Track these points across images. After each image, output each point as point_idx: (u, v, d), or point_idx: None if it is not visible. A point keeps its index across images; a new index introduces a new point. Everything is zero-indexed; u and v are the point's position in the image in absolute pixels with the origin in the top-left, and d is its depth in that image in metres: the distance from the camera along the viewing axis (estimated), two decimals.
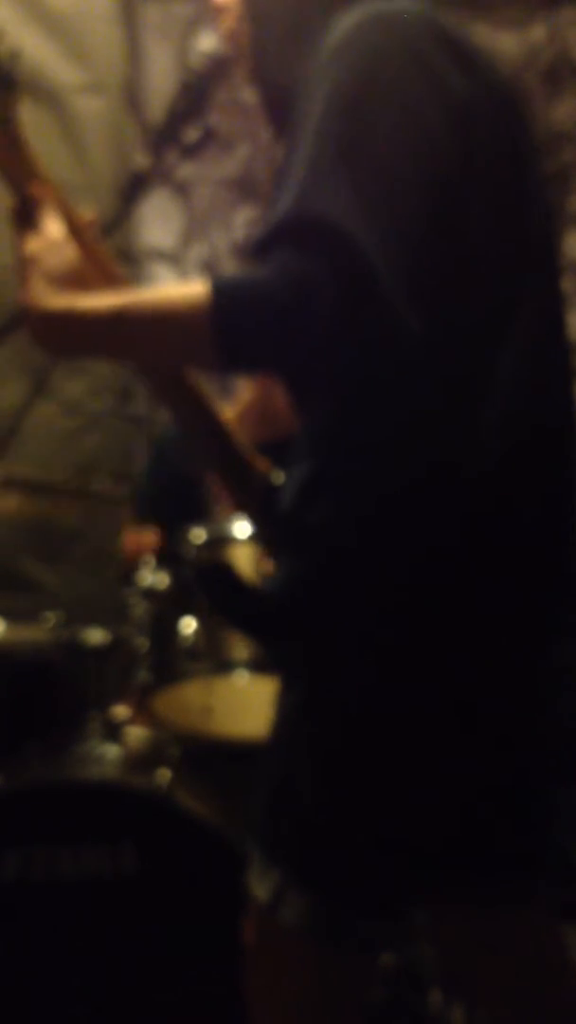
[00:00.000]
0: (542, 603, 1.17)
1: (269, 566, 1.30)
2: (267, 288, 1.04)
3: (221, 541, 2.12)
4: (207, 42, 1.33)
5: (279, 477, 1.31)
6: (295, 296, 1.03)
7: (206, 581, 1.27)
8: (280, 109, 1.28)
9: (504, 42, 3.19)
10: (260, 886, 1.23)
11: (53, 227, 1.18)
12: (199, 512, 2.70)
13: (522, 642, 1.15)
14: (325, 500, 1.15)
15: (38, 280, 1.14)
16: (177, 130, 1.31)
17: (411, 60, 1.12)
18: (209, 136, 1.30)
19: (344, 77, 1.10)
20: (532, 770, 1.18)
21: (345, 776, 1.17)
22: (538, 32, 3.22)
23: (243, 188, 3.45)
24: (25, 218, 1.18)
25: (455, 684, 1.14)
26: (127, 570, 2.29)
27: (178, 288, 1.11)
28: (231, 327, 1.06)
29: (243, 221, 3.47)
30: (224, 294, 1.06)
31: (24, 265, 1.15)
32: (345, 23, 1.14)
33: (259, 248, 1.07)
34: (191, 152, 1.31)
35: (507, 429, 1.15)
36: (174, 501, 2.71)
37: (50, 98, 3.18)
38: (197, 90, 1.31)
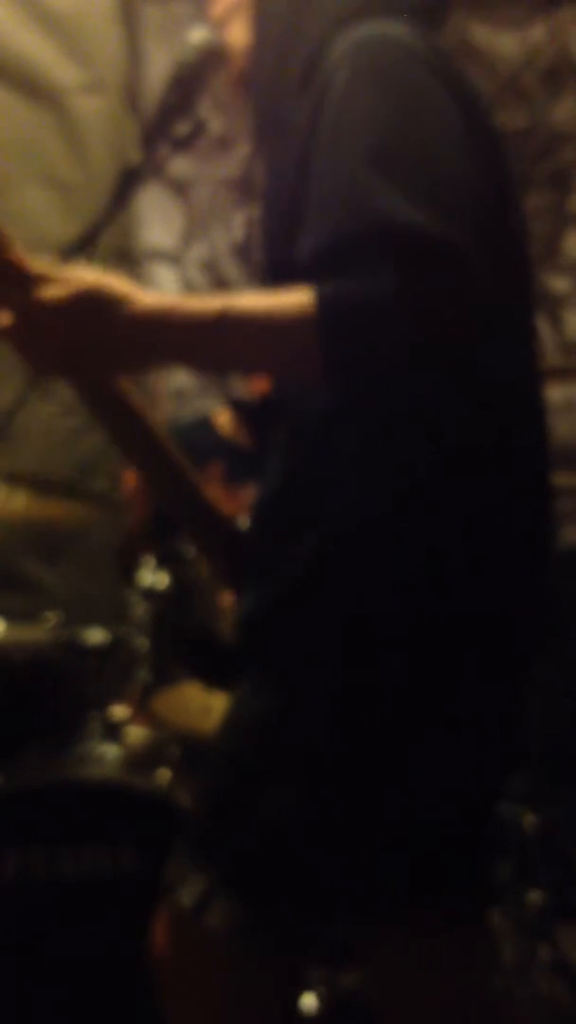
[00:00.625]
0: (523, 626, 1.20)
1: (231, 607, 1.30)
2: (380, 302, 1.04)
3: None
4: (197, 35, 1.32)
5: (244, 522, 1.30)
6: (408, 310, 1.03)
7: (181, 650, 1.28)
8: (266, 115, 1.28)
9: (504, 42, 3.19)
10: (183, 890, 1.21)
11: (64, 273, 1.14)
12: None
13: (493, 662, 1.17)
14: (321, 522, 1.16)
15: (107, 299, 1.11)
16: (168, 124, 1.31)
17: (429, 75, 1.14)
18: (200, 129, 1.30)
19: (375, 92, 1.11)
20: (496, 787, 1.21)
21: (309, 786, 1.17)
22: (538, 32, 3.22)
23: (243, 188, 3.45)
24: (15, 278, 1.13)
25: (419, 699, 1.15)
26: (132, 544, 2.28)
27: (281, 296, 1.09)
28: (340, 339, 1.06)
29: (243, 221, 3.47)
30: (332, 306, 1.05)
31: (62, 304, 1.10)
32: (351, 46, 1.15)
33: (339, 248, 1.07)
34: (182, 145, 1.30)
35: (515, 440, 1.18)
36: None
37: (50, 98, 3.19)
38: (187, 84, 1.31)
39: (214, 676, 1.26)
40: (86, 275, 1.12)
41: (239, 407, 1.29)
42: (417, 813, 1.17)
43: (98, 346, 1.12)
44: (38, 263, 1.13)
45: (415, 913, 1.21)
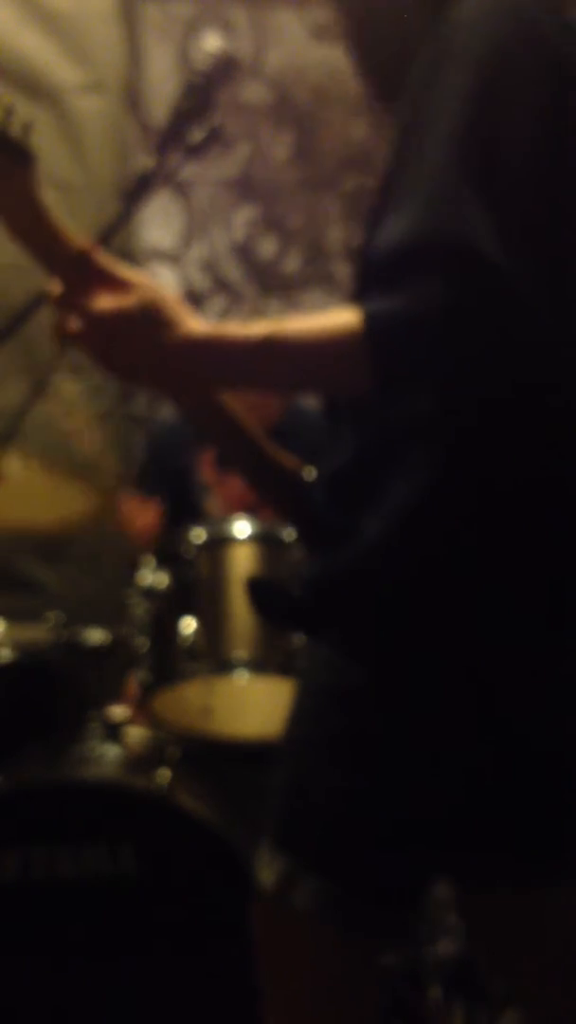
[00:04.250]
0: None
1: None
2: (424, 316, 1.04)
3: (221, 541, 2.12)
4: (212, 42, 1.33)
5: (310, 473, 1.31)
6: (454, 325, 1.03)
7: (254, 594, 1.29)
8: (394, 84, 1.25)
9: None
10: (268, 871, 1.24)
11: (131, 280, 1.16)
12: (192, 506, 2.71)
13: (560, 631, 1.17)
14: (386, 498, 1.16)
15: (160, 319, 1.12)
16: (182, 130, 1.31)
17: (536, 55, 1.12)
18: (215, 136, 1.30)
19: (470, 81, 1.09)
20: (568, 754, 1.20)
21: (376, 762, 1.18)
22: None
23: (243, 188, 3.45)
24: (83, 277, 1.15)
25: (488, 672, 1.16)
26: (134, 555, 2.29)
27: (327, 315, 1.10)
28: (390, 355, 1.07)
29: (243, 221, 3.47)
30: (379, 322, 1.06)
31: (124, 315, 1.12)
32: (469, 9, 1.13)
33: (391, 264, 1.07)
34: (196, 152, 1.30)
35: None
36: (168, 493, 2.72)
37: (50, 98, 3.18)
38: (202, 90, 1.31)
39: (287, 623, 1.29)
40: (147, 291, 1.13)
41: None
42: (489, 781, 1.17)
43: (145, 365, 1.14)
44: (123, 268, 1.15)
45: (507, 876, 1.22)
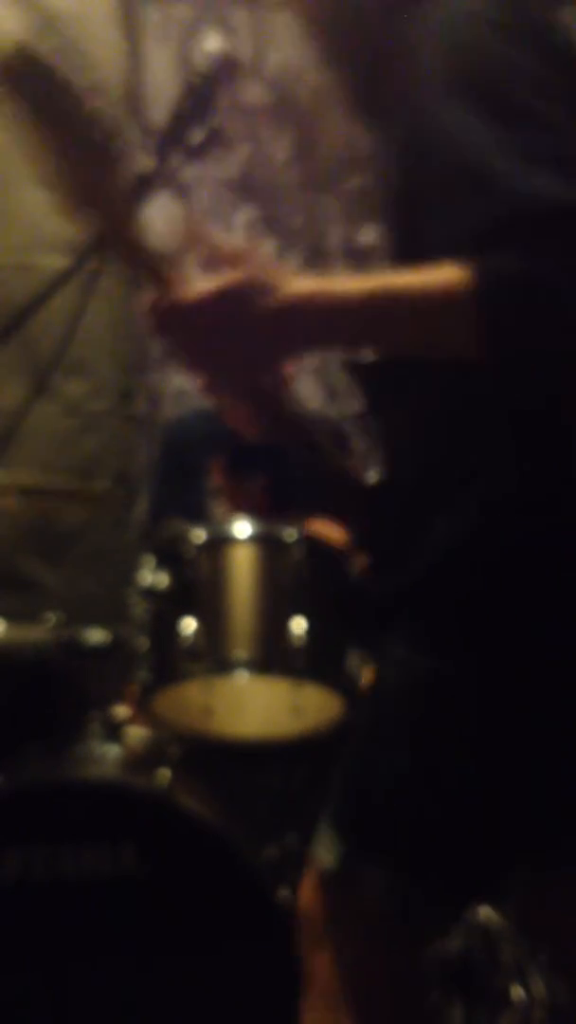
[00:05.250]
0: None
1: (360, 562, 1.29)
2: (545, 278, 1.04)
3: (221, 541, 2.12)
4: (212, 43, 1.33)
5: (373, 477, 1.31)
6: (567, 281, 1.03)
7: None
8: (363, 84, 1.29)
9: None
10: (328, 853, 1.24)
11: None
12: (197, 506, 2.70)
13: None
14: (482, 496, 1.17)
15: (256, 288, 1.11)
16: (182, 132, 1.31)
17: (535, 33, 1.15)
18: (214, 138, 1.30)
19: (484, 61, 1.11)
20: None
21: (447, 752, 1.19)
22: None
23: (243, 188, 3.45)
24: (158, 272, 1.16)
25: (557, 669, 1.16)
26: None
27: (434, 272, 1.08)
28: (505, 315, 1.06)
29: (243, 221, 3.47)
30: (496, 282, 1.05)
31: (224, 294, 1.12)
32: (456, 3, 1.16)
33: (480, 241, 1.07)
34: (196, 154, 1.31)
35: None
36: (176, 491, 2.72)
37: None
38: (202, 91, 1.31)
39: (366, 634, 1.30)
40: (233, 273, 1.13)
41: (355, 368, 1.29)
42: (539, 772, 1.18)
43: (245, 339, 1.13)
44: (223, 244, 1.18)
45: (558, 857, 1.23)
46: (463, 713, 1.19)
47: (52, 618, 2.26)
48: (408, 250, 1.14)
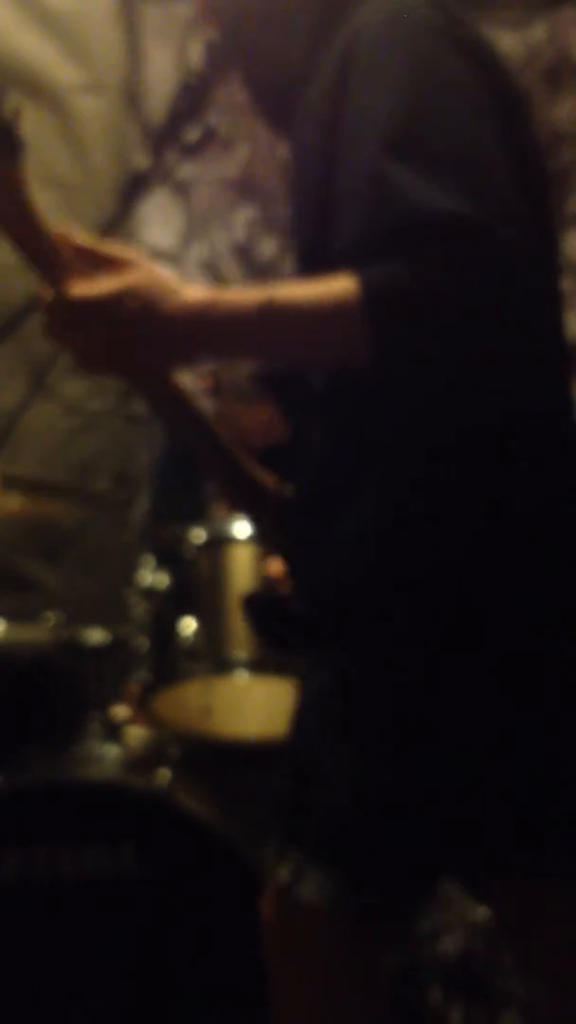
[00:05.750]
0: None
1: (274, 569, 1.30)
2: (425, 281, 1.04)
3: (221, 541, 2.13)
4: (209, 42, 1.33)
5: (289, 488, 1.31)
6: (454, 288, 1.04)
7: (251, 610, 1.29)
8: (278, 106, 1.29)
9: (504, 42, 3.18)
10: (279, 865, 1.24)
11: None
12: (199, 505, 2.70)
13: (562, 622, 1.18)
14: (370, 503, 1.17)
15: (149, 295, 1.11)
16: (177, 130, 1.31)
17: (450, 48, 1.14)
18: (210, 136, 1.30)
19: (400, 73, 1.11)
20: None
21: (380, 752, 1.19)
22: (538, 32, 3.22)
23: (243, 188, 3.45)
24: (56, 268, 1.14)
25: (493, 663, 1.16)
26: None
27: (324, 282, 1.09)
28: (389, 324, 1.06)
29: (243, 221, 3.47)
30: (379, 290, 1.06)
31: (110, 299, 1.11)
32: (373, 14, 1.15)
33: (374, 243, 1.07)
34: (191, 152, 1.31)
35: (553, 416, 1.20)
36: (176, 491, 2.72)
37: (50, 98, 3.18)
38: (197, 90, 1.31)
39: (283, 642, 1.28)
40: (134, 270, 1.12)
41: (266, 381, 1.28)
42: (488, 771, 1.18)
43: (141, 341, 1.12)
44: (115, 248, 1.14)
45: (516, 862, 1.22)
46: (377, 713, 1.19)
47: (52, 618, 2.26)
48: (317, 259, 1.15)
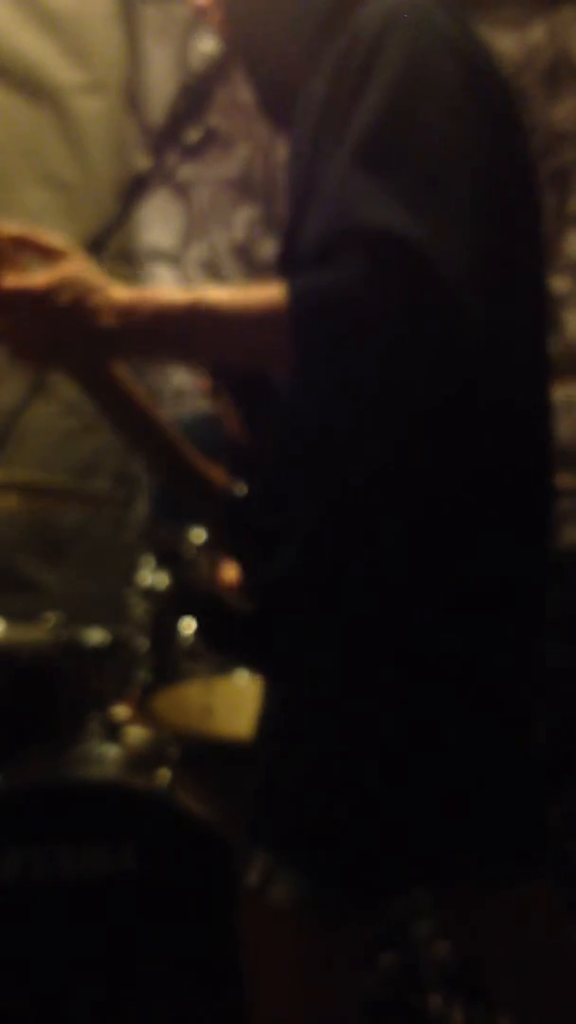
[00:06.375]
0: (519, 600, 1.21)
1: (227, 573, 1.31)
2: (346, 290, 1.05)
3: None
4: (207, 43, 1.33)
5: (241, 488, 1.31)
6: (374, 300, 1.04)
7: (194, 609, 1.29)
8: (280, 104, 1.29)
9: (504, 42, 3.18)
10: (250, 870, 1.25)
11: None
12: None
13: (504, 631, 1.19)
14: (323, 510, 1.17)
15: (85, 293, 1.12)
16: (178, 131, 1.31)
17: (449, 53, 1.13)
18: (210, 137, 1.31)
19: (387, 78, 1.11)
20: (529, 754, 1.23)
21: (339, 759, 1.19)
22: (538, 32, 3.22)
23: (243, 188, 3.45)
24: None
25: (446, 669, 1.17)
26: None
27: (254, 288, 1.11)
28: (311, 326, 1.07)
29: (243, 221, 3.47)
30: (302, 294, 1.07)
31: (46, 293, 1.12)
32: (373, 16, 1.15)
33: (323, 250, 1.08)
34: (192, 153, 1.31)
35: (519, 427, 1.20)
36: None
37: (50, 98, 3.18)
38: (197, 91, 1.32)
39: (225, 642, 1.29)
40: (69, 261, 1.13)
41: (220, 380, 1.29)
42: (444, 775, 1.19)
43: (72, 334, 1.12)
44: (52, 238, 1.15)
45: (476, 870, 1.24)
46: (328, 705, 1.19)
47: (52, 618, 2.26)
48: (286, 262, 1.17)
